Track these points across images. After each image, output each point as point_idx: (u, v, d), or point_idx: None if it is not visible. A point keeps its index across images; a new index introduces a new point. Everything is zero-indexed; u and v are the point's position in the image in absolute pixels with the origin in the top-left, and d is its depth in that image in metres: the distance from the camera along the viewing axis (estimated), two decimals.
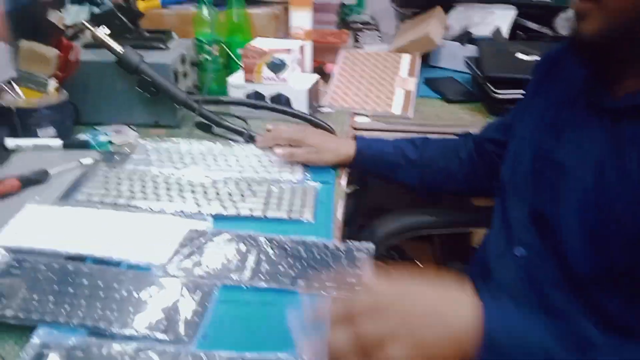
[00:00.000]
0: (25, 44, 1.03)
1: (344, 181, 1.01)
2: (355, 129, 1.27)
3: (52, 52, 1.02)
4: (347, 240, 0.80)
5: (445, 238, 1.54)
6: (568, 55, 0.80)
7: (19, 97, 1.04)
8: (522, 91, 1.23)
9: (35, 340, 0.61)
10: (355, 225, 1.25)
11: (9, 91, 1.04)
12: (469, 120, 1.28)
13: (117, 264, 0.75)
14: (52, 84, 1.05)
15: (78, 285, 0.69)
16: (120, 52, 1.09)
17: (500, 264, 0.79)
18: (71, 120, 1.10)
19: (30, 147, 1.04)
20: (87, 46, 1.17)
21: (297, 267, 0.75)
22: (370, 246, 0.80)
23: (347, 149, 1.03)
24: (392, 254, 1.59)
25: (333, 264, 0.76)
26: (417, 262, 1.62)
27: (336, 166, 1.03)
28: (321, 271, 0.74)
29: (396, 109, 1.30)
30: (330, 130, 1.15)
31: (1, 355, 0.61)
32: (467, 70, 1.51)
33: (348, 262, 0.77)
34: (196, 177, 0.96)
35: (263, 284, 0.72)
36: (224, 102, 1.23)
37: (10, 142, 1.03)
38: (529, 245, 0.75)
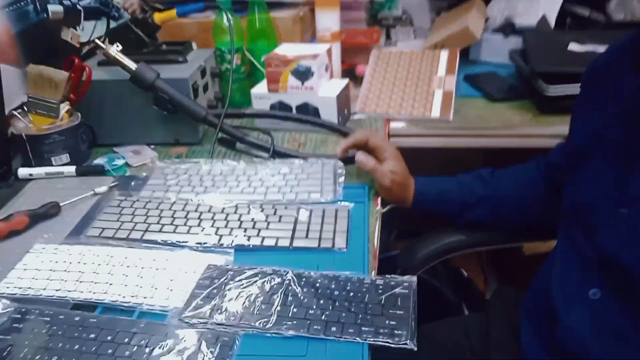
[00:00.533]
0: (33, 68, 0.96)
1: (379, 199, 0.91)
2: (390, 135, 1.16)
3: (61, 75, 0.96)
4: (386, 276, 0.70)
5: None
6: (621, 60, 0.68)
7: (30, 123, 0.98)
8: (577, 85, 1.11)
9: None
10: (385, 246, 1.15)
11: (21, 118, 0.99)
12: (517, 121, 1.15)
13: (130, 311, 0.67)
14: (64, 108, 0.98)
15: (85, 341, 0.62)
16: (133, 68, 1.01)
17: (571, 308, 0.67)
18: (87, 144, 1.04)
19: (43, 175, 0.97)
20: (101, 64, 1.11)
21: (328, 308, 0.66)
22: (413, 280, 0.70)
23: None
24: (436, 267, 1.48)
25: (370, 304, 0.66)
26: (464, 272, 1.51)
27: (371, 184, 0.93)
28: (357, 313, 0.64)
29: (435, 111, 1.19)
30: None
31: None
32: (512, 64, 1.38)
33: (387, 301, 0.67)
34: (217, 201, 0.88)
35: (291, 332, 0.63)
36: (247, 115, 1.15)
37: (22, 171, 0.97)
38: (606, 287, 0.63)
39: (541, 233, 0.92)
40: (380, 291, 0.68)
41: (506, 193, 0.90)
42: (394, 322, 0.63)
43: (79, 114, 1.02)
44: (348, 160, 0.97)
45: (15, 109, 1.01)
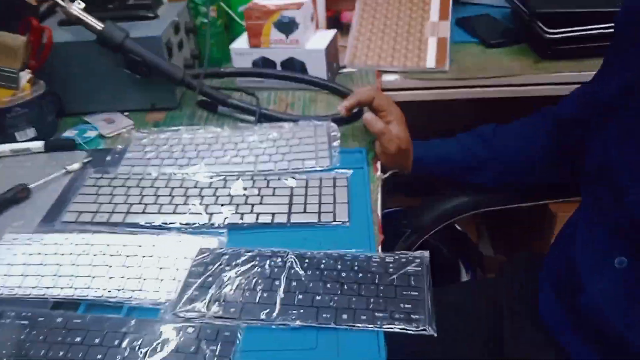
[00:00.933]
0: None
1: (378, 164, 0.84)
2: (383, 90, 1.08)
3: (18, 40, 0.85)
4: (396, 252, 0.65)
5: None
6: None
7: None
8: (582, 28, 1.04)
9: None
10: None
11: None
12: (518, 69, 1.08)
13: (117, 307, 0.61)
14: (24, 76, 0.88)
15: (70, 346, 0.56)
16: (99, 28, 0.91)
17: (596, 276, 0.63)
18: (53, 115, 0.94)
19: (8, 153, 0.88)
20: (62, 23, 1.00)
21: (337, 293, 0.60)
22: (425, 256, 0.64)
23: None
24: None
25: (382, 285, 0.61)
26: (458, 227, 1.47)
27: (369, 148, 0.86)
28: (368, 297, 0.59)
29: (430, 61, 1.11)
30: None
31: None
32: (506, 5, 1.29)
33: (399, 281, 0.61)
34: (203, 175, 0.81)
35: (298, 322, 0.57)
36: (228, 74, 1.06)
37: None
38: (633, 255, 0.59)
39: (553, 193, 0.87)
40: (391, 270, 0.63)
41: (511, 153, 0.84)
42: (409, 306, 0.58)
43: (42, 82, 0.92)
44: (341, 120, 0.90)
45: None
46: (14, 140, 0.89)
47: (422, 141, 0.85)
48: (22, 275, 0.64)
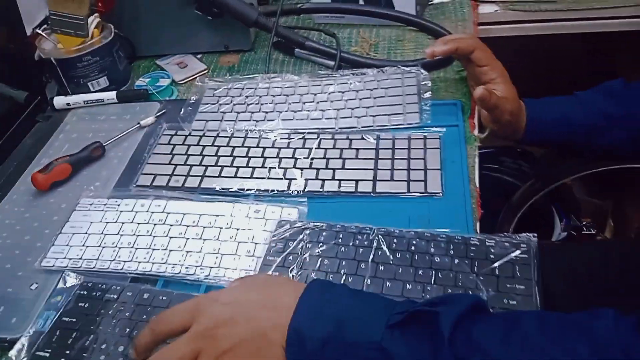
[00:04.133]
0: None
1: (475, 120, 0.74)
2: (479, 24, 0.95)
3: None
4: (499, 235, 0.57)
5: None
6: None
7: (59, 44, 0.84)
8: None
9: None
10: None
11: (47, 37, 0.85)
12: None
13: (196, 285, 0.58)
14: (92, 22, 0.83)
15: None
16: None
17: None
18: (125, 62, 0.90)
19: (81, 104, 0.86)
20: None
21: (430, 282, 0.54)
22: (533, 241, 0.56)
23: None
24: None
25: (481, 275, 0.54)
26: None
27: (465, 100, 0.76)
28: (466, 290, 0.53)
29: None
30: None
31: None
32: None
33: (502, 271, 0.54)
34: (281, 132, 0.74)
35: None
36: (305, 10, 0.96)
37: (59, 101, 0.86)
38: None
39: None
40: (492, 257, 0.55)
41: None
42: (514, 302, 0.51)
43: (112, 27, 0.87)
44: (433, 65, 0.80)
45: (38, 26, 0.87)
46: (87, 91, 0.86)
47: (533, 100, 0.73)
48: (99, 246, 0.63)
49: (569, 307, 0.59)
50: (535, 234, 0.56)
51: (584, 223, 1.35)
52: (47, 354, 0.53)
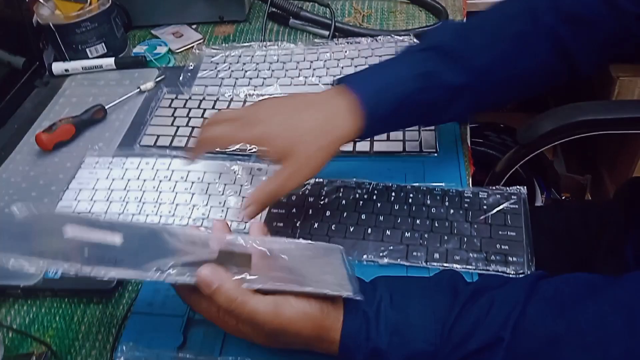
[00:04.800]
0: None
1: None
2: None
3: None
4: (490, 187, 0.60)
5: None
6: None
7: (56, 10, 0.85)
8: None
9: None
10: None
11: (44, 3, 0.85)
12: None
13: None
14: None
15: None
16: None
17: None
18: (122, 30, 0.91)
19: (80, 70, 0.87)
20: None
21: (427, 230, 0.57)
22: (522, 192, 0.60)
23: (346, 129, 0.54)
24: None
25: (475, 223, 0.57)
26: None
27: None
28: (461, 236, 0.56)
29: None
30: (441, 10, 0.89)
31: None
32: None
33: (494, 219, 0.58)
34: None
35: (387, 260, 0.55)
36: None
37: (57, 67, 0.87)
38: None
39: None
40: (484, 207, 0.59)
41: (491, 68, 0.57)
42: (505, 247, 0.55)
43: None
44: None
45: None
46: (85, 57, 0.87)
47: (366, 84, 0.56)
48: (107, 200, 0.65)
49: (554, 263, 0.63)
50: (525, 186, 0.60)
51: (563, 197, 1.41)
52: None
